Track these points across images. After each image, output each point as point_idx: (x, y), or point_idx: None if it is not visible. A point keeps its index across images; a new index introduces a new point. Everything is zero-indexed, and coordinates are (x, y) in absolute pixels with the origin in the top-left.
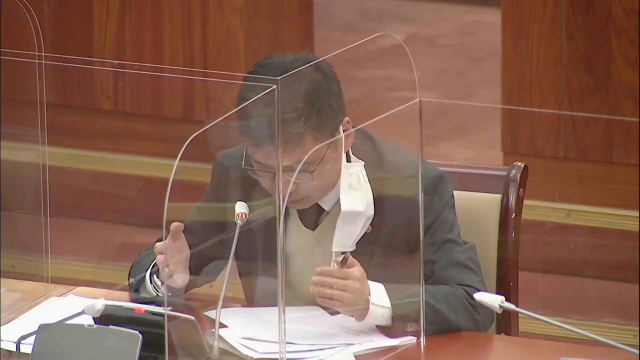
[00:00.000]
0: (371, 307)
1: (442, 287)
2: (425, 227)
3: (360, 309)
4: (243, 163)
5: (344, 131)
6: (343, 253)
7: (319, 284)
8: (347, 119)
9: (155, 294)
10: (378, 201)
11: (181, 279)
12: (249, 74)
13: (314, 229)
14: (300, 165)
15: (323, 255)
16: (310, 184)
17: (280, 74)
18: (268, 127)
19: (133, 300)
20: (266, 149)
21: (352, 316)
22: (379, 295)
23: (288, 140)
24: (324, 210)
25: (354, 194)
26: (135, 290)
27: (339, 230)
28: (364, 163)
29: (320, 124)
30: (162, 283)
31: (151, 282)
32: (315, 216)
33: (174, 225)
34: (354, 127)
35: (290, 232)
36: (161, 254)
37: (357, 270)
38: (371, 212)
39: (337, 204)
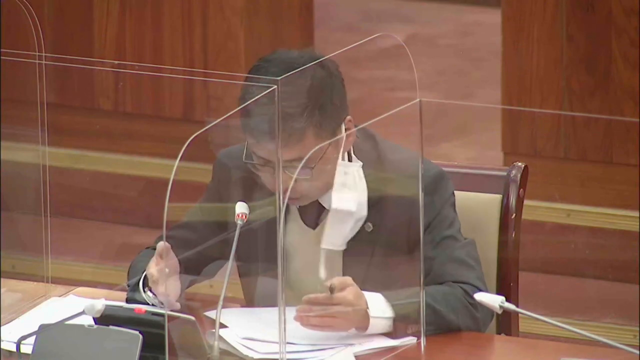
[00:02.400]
0: (371, 320)
1: (440, 287)
2: (425, 225)
3: (359, 324)
4: (244, 157)
5: (345, 129)
6: (330, 287)
7: (305, 311)
8: (349, 117)
9: (150, 304)
10: (378, 200)
11: (175, 297)
12: (253, 67)
13: (314, 228)
14: (303, 161)
15: (323, 251)
16: (309, 181)
17: (284, 69)
18: (269, 123)
19: (129, 302)
20: (267, 144)
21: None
22: (378, 307)
23: (289, 135)
24: (325, 208)
25: (347, 193)
26: (131, 296)
27: (328, 227)
28: (362, 164)
29: (322, 120)
30: (154, 295)
31: (144, 292)
32: (316, 214)
33: (160, 245)
34: (355, 126)
35: (291, 230)
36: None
37: (349, 292)
38: (363, 212)
39: None
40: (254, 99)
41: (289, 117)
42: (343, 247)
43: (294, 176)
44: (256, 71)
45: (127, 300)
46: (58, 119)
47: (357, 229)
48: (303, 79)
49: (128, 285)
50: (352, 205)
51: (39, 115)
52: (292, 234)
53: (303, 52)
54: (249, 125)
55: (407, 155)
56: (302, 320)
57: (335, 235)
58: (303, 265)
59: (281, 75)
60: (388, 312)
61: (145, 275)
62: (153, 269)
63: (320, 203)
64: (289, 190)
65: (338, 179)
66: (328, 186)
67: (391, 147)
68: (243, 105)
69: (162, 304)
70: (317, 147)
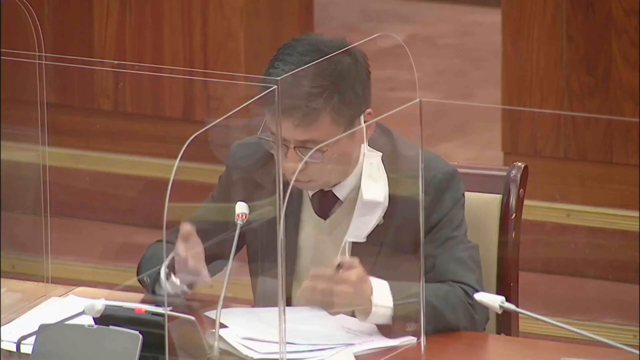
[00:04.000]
0: (373, 308)
1: (441, 285)
2: (433, 224)
3: (362, 309)
4: (259, 133)
5: (364, 122)
6: (338, 264)
7: (309, 288)
8: (369, 110)
9: (175, 292)
10: (391, 194)
11: (206, 274)
12: (282, 46)
13: (326, 218)
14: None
15: (333, 245)
16: (319, 165)
17: (310, 50)
18: (290, 100)
19: (144, 301)
20: (284, 121)
21: (354, 316)
22: (381, 294)
23: (304, 114)
24: (338, 199)
25: (374, 183)
26: (151, 285)
27: (355, 220)
28: (381, 154)
29: (340, 106)
30: (179, 282)
31: (167, 280)
32: (329, 205)
33: (185, 227)
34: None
35: (304, 221)
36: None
37: (353, 273)
38: (387, 203)
39: (351, 193)
40: (255, 98)
41: (307, 97)
42: (363, 240)
43: (305, 158)
44: (284, 49)
45: (153, 293)
46: (58, 119)
47: (380, 219)
48: (328, 61)
49: (143, 280)
50: (380, 196)
51: (39, 115)
52: (306, 225)
53: (334, 38)
54: (269, 99)
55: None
56: (305, 294)
57: (362, 227)
58: (312, 256)
59: (306, 54)
60: (390, 302)
61: (168, 265)
62: (180, 249)
63: (334, 193)
64: (297, 172)
65: (365, 170)
66: (338, 175)
67: (406, 144)
68: (243, 105)
69: (188, 288)
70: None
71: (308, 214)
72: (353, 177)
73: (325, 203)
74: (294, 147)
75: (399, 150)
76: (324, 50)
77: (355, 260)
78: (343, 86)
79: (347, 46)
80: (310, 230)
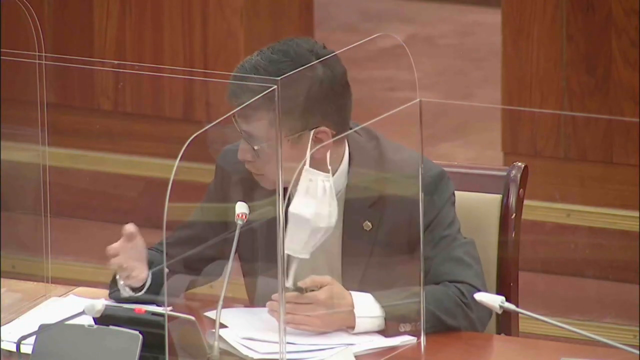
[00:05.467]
0: (357, 320)
1: (434, 287)
2: (425, 225)
3: (343, 324)
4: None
5: (314, 139)
6: (297, 288)
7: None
8: (323, 128)
9: (127, 294)
10: (378, 199)
11: (140, 275)
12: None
13: None
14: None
15: (320, 252)
16: (262, 161)
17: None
18: (252, 94)
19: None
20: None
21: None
22: (364, 307)
23: (247, 106)
24: None
25: (306, 199)
26: (115, 295)
27: (288, 232)
28: (330, 175)
29: (285, 115)
30: (122, 283)
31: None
32: None
33: (128, 227)
34: (357, 126)
35: None
36: (114, 256)
37: (323, 292)
38: (330, 224)
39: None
40: (255, 98)
41: (255, 89)
42: (305, 256)
43: (239, 147)
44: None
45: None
46: (58, 119)
47: (321, 240)
48: (306, 70)
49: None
50: (308, 212)
51: (39, 115)
52: None
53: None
54: (235, 93)
55: (408, 155)
56: (274, 315)
57: (294, 240)
58: (301, 263)
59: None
60: (377, 312)
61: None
62: (117, 248)
63: None
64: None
65: (302, 184)
66: (272, 174)
67: (393, 147)
68: (243, 105)
69: (134, 290)
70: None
71: None
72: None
73: None
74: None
75: (386, 155)
76: (290, 53)
77: (326, 278)
78: (296, 97)
79: (320, 54)
80: None
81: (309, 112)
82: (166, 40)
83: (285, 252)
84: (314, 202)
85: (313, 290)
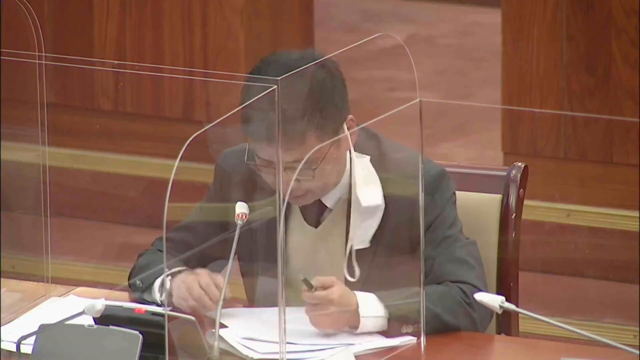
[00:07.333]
0: (361, 320)
1: (437, 287)
2: (426, 225)
3: (348, 323)
4: (246, 158)
5: (347, 129)
6: (304, 280)
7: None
8: (350, 116)
9: (159, 303)
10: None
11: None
12: (252, 70)
13: (316, 226)
14: (301, 163)
15: (325, 252)
16: (311, 182)
17: (283, 72)
18: (269, 126)
19: (133, 300)
20: (267, 147)
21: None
22: (368, 306)
23: (290, 139)
24: (327, 207)
25: (370, 187)
26: (142, 290)
27: (355, 227)
28: (369, 157)
29: (323, 122)
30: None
31: (159, 293)
32: (318, 213)
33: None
34: (357, 125)
35: (292, 229)
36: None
37: (331, 292)
38: (384, 203)
39: (340, 201)
40: (255, 99)
41: (289, 120)
42: (367, 245)
43: (294, 176)
44: (256, 74)
45: (135, 293)
46: (58, 119)
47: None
48: (304, 81)
49: (137, 284)
50: (378, 199)
51: (39, 115)
52: (294, 233)
53: (303, 53)
54: (249, 129)
55: (409, 154)
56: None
57: (366, 232)
58: (304, 264)
59: (279, 77)
60: (380, 311)
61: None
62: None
63: (322, 202)
64: (289, 190)
65: (357, 175)
66: (330, 184)
67: (394, 146)
68: (243, 106)
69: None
70: (316, 148)
71: (296, 222)
72: (341, 186)
73: (314, 211)
74: (285, 169)
75: (386, 153)
76: (295, 69)
77: (332, 279)
78: (322, 102)
79: (318, 59)
80: (300, 238)
81: (338, 108)
82: (166, 40)
83: (357, 247)
84: (375, 187)
85: (317, 290)
